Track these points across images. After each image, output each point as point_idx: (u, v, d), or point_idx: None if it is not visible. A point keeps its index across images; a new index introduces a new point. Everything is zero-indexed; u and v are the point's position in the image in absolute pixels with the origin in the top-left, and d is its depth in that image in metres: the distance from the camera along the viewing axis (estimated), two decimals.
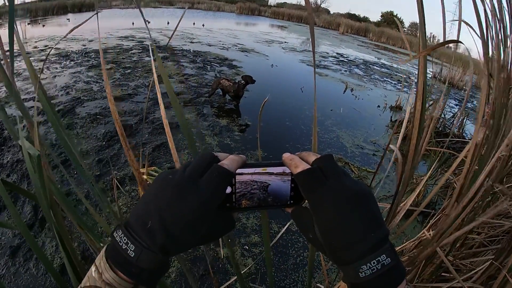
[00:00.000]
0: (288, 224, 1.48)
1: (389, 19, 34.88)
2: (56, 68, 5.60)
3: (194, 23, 13.86)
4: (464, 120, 4.82)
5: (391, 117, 5.28)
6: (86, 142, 3.17)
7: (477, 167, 0.75)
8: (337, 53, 11.60)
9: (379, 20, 35.59)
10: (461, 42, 0.68)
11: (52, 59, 6.24)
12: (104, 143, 3.18)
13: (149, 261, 0.32)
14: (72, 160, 0.68)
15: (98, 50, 7.21)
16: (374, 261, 0.32)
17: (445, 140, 3.84)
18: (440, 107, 4.71)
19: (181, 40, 9.73)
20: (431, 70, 8.23)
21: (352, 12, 38.57)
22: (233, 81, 4.57)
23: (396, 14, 35.45)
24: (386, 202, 2.56)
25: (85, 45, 7.65)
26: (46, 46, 7.28)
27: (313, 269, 1.90)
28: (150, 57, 6.99)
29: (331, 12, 38.20)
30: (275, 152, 3.39)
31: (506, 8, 0.81)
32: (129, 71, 5.77)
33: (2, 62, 0.65)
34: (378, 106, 5.79)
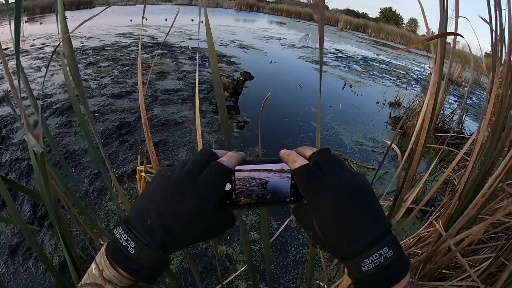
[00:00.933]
0: (287, 221, 1.48)
1: (388, 15, 34.79)
2: (54, 66, 5.56)
3: (192, 20, 13.77)
4: (464, 117, 4.82)
5: (390, 113, 5.27)
6: (84, 140, 3.16)
7: (479, 164, 0.75)
8: (336, 49, 11.56)
9: (378, 16, 35.48)
10: (460, 35, 0.67)
11: (49, 57, 6.19)
12: (102, 141, 3.17)
13: (149, 258, 0.32)
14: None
15: (96, 47, 7.17)
16: (376, 254, 0.31)
17: (445, 136, 3.84)
18: (440, 103, 4.70)
19: (179, 36, 9.68)
20: (430, 66, 8.20)
21: (351, 8, 38.39)
22: (232, 77, 4.55)
23: (395, 10, 35.35)
24: (385, 199, 2.56)
25: (82, 43, 7.60)
26: (44, 44, 7.24)
27: (313, 266, 1.90)
28: (148, 54, 6.95)
29: (330, 8, 38.09)
30: (275, 149, 3.38)
31: None
32: (127, 68, 5.74)
33: None
34: (377, 102, 5.78)
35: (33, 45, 7.03)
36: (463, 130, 4.71)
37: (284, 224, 1.39)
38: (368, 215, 0.33)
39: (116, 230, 0.34)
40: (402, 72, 9.32)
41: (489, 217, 0.94)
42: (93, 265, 0.34)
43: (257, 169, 0.39)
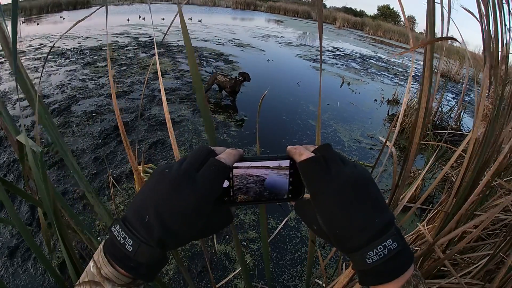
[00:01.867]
0: (286, 219, 1.48)
1: (385, 13, 34.75)
2: (51, 66, 5.54)
3: (190, 19, 13.73)
4: (461, 113, 4.83)
5: (388, 111, 5.27)
6: (82, 140, 3.15)
7: (475, 161, 0.75)
8: (334, 47, 11.55)
9: (376, 14, 35.43)
10: (455, 39, 0.67)
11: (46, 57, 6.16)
12: (100, 141, 3.16)
13: (147, 255, 0.32)
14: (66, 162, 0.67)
15: (93, 47, 7.14)
16: (381, 246, 0.31)
17: (442, 133, 3.84)
18: (438, 101, 4.72)
19: (176, 36, 9.65)
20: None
21: (349, 6, 38.37)
22: (229, 76, 4.55)
23: (393, 8, 35.29)
24: (384, 196, 2.56)
25: (80, 43, 7.57)
26: (41, 44, 7.20)
27: (312, 264, 1.90)
28: (145, 53, 6.92)
29: (328, 6, 37.95)
30: (273, 147, 3.39)
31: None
32: (124, 67, 5.72)
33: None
34: (375, 100, 5.78)
35: (30, 46, 6.99)
36: (461, 127, 4.72)
37: (283, 223, 1.39)
38: (371, 207, 0.33)
39: (114, 227, 0.33)
40: (400, 69, 9.33)
41: (482, 213, 0.94)
42: (91, 263, 0.34)
43: (255, 166, 0.39)
